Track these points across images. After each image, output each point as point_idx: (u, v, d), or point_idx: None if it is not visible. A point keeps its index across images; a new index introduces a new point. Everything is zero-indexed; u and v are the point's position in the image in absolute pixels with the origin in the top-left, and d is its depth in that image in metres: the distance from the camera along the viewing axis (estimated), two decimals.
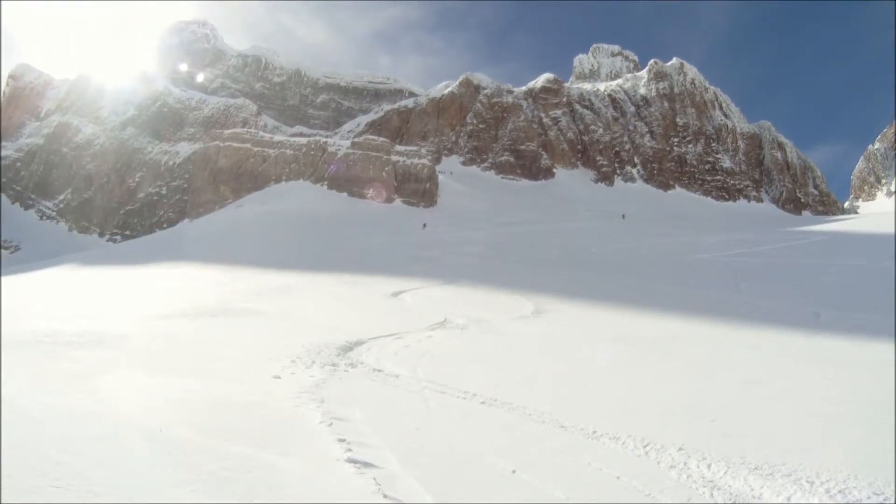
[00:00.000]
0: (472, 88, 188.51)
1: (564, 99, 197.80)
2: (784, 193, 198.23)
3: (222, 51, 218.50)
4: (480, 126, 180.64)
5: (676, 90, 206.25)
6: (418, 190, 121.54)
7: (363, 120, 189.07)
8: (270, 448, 8.44)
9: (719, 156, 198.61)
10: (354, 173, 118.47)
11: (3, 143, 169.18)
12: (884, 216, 75.97)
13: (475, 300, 30.22)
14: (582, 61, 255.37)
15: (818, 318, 22.71)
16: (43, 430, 8.32)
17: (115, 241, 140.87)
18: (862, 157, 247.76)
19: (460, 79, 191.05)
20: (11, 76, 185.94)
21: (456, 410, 11.36)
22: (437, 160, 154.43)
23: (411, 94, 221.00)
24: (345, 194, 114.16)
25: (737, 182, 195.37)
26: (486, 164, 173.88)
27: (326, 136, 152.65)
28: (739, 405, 11.56)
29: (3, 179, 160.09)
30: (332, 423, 9.82)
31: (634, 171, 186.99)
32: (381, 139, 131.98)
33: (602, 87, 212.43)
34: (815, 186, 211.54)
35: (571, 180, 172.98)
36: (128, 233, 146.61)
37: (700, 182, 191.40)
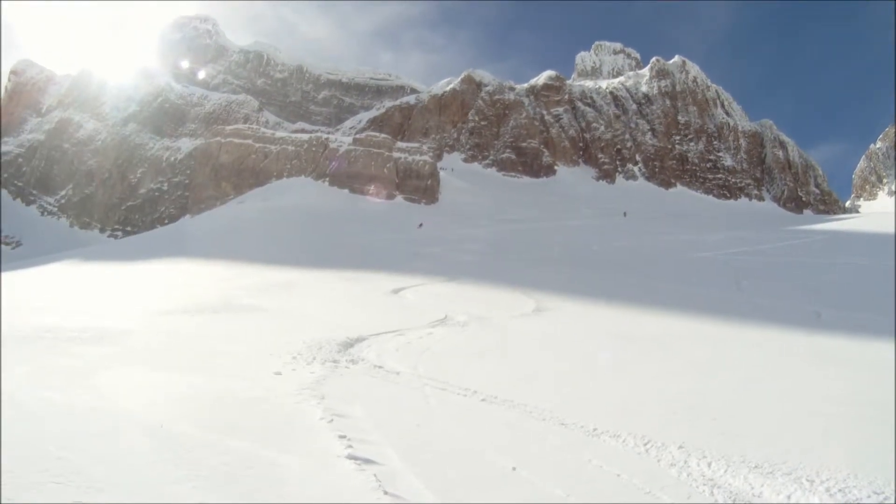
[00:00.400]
0: (473, 85, 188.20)
1: (566, 96, 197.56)
2: (785, 192, 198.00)
3: (224, 46, 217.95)
4: (482, 123, 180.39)
5: (678, 88, 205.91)
6: (420, 187, 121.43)
7: (365, 116, 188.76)
8: (271, 444, 8.46)
9: (721, 154, 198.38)
10: (356, 170, 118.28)
11: (5, 139, 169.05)
12: (885, 215, 76.05)
13: (476, 297, 30.26)
14: (584, 59, 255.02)
15: (819, 317, 22.73)
16: (43, 426, 8.35)
17: (116, 237, 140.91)
18: (863, 156, 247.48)
19: (462, 75, 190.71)
20: (13, 72, 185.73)
21: (456, 407, 11.38)
22: (439, 157, 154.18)
23: (413, 91, 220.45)
24: (346, 191, 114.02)
25: (738, 180, 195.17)
26: (487, 161, 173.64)
27: (328, 133, 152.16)
28: (740, 404, 11.59)
29: (5, 175, 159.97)
30: (332, 420, 9.84)
31: (636, 168, 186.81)
32: (383, 136, 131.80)
33: (604, 84, 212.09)
34: (817, 185, 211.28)
35: (573, 178, 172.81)
36: (129, 229, 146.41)
37: (701, 180, 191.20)
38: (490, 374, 14.36)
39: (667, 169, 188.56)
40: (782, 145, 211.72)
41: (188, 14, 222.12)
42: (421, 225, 72.10)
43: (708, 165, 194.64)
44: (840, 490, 7.39)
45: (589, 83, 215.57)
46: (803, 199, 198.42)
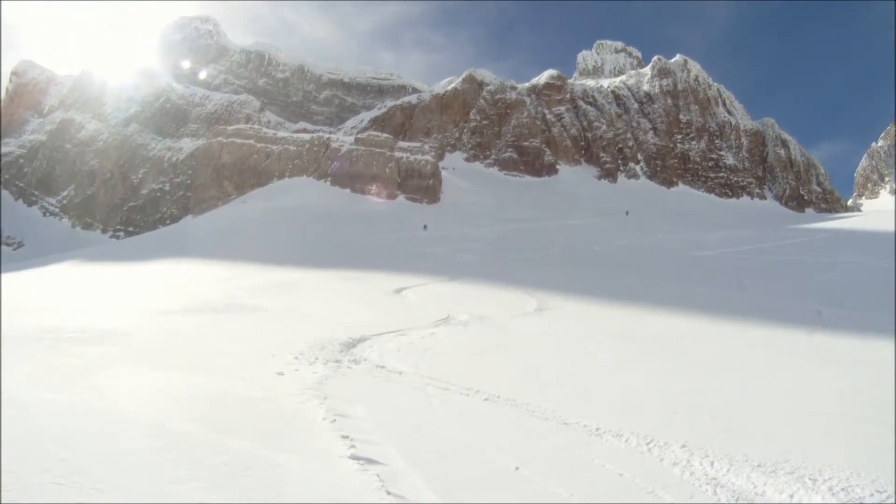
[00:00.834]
0: (475, 85, 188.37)
1: (568, 95, 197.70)
2: (787, 191, 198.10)
3: (225, 47, 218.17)
4: (484, 122, 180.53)
5: (680, 87, 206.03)
6: (421, 186, 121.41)
7: (366, 116, 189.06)
8: (273, 444, 8.47)
9: (723, 153, 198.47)
10: (358, 170, 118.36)
11: (6, 140, 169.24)
12: (887, 214, 75.93)
13: (478, 297, 30.24)
14: (585, 58, 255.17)
15: (821, 315, 22.68)
16: (45, 427, 8.34)
17: (118, 237, 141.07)
18: (865, 154, 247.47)
19: (463, 75, 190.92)
20: (14, 72, 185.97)
21: (459, 407, 11.37)
22: (441, 156, 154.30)
23: (414, 91, 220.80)
24: (348, 191, 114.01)
25: (740, 179, 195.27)
26: (489, 161, 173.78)
27: (330, 133, 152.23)
28: (742, 403, 11.60)
29: (6, 176, 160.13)
30: (335, 420, 9.85)
31: (638, 167, 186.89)
32: (385, 135, 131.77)
33: (605, 83, 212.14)
34: (819, 184, 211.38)
35: (575, 177, 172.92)
36: (131, 229, 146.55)
37: (703, 179, 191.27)
38: (492, 373, 14.37)
39: (669, 168, 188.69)
40: (784, 144, 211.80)
41: (189, 14, 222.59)
42: (426, 227, 71.85)
43: (710, 164, 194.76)
44: (842, 489, 7.40)
45: (590, 82, 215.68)
46: (805, 197, 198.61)
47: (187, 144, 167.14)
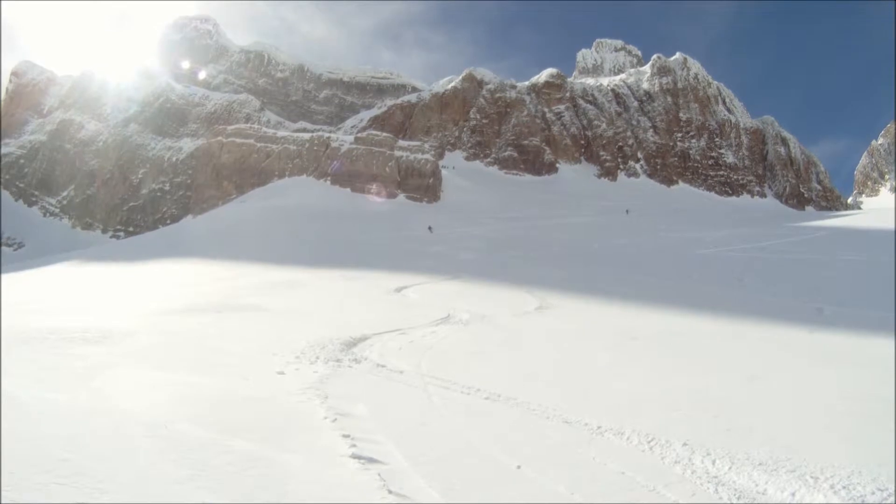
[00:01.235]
0: (475, 83, 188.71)
1: (568, 94, 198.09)
2: (787, 189, 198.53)
3: (225, 46, 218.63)
4: (483, 121, 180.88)
5: (680, 85, 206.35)
6: (421, 185, 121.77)
7: (366, 115, 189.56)
8: (274, 444, 8.47)
9: (722, 151, 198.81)
10: (358, 169, 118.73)
11: (6, 140, 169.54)
12: (887, 212, 75.98)
13: (479, 295, 30.21)
14: (585, 56, 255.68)
15: (821, 313, 22.66)
16: (46, 427, 8.30)
17: (118, 237, 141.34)
18: (865, 152, 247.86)
19: (463, 74, 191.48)
20: (14, 73, 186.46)
21: (460, 406, 11.36)
22: (441, 155, 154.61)
23: (414, 90, 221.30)
24: (348, 190, 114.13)
25: (740, 177, 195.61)
26: (489, 160, 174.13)
27: (330, 132, 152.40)
28: (743, 401, 11.59)
29: (6, 176, 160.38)
30: (336, 419, 9.84)
31: (638, 166, 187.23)
32: (385, 134, 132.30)
33: (605, 82, 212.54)
34: (819, 182, 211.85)
35: (575, 175, 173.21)
36: (131, 229, 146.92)
37: (703, 177, 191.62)
38: (493, 372, 14.36)
39: (669, 166, 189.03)
40: (784, 142, 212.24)
41: (188, 14, 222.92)
42: (430, 228, 71.74)
43: (710, 162, 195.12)
44: (844, 487, 7.39)
45: (590, 81, 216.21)
46: (805, 195, 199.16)
47: (187, 144, 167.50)
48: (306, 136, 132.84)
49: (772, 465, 8.10)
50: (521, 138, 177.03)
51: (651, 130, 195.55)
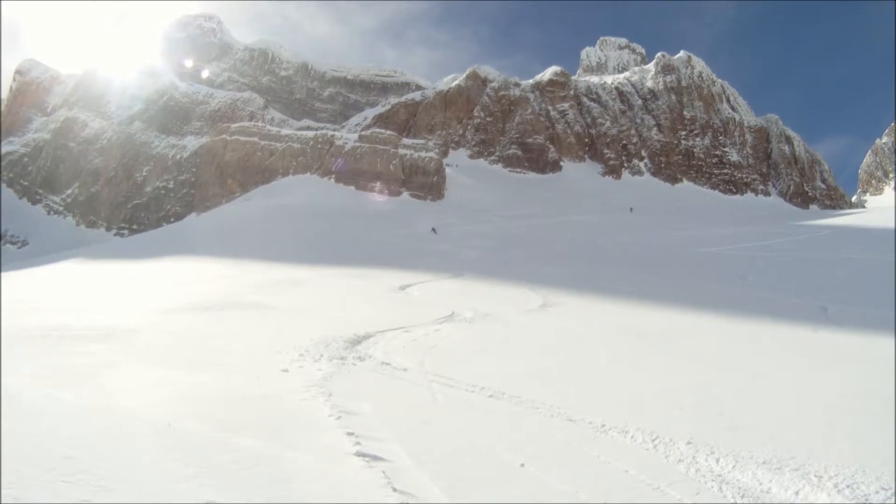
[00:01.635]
0: (479, 81, 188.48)
1: (572, 92, 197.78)
2: (791, 187, 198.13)
3: (229, 44, 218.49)
4: (488, 119, 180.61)
5: (684, 83, 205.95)
6: (426, 183, 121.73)
7: (370, 113, 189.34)
8: (279, 442, 8.48)
9: (727, 149, 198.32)
10: (362, 167, 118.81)
11: (11, 139, 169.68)
12: (891, 210, 75.93)
13: (483, 293, 30.27)
14: (589, 54, 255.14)
15: (825, 312, 22.68)
16: (50, 425, 8.34)
17: (122, 235, 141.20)
18: (869, 151, 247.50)
19: (467, 72, 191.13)
20: (18, 71, 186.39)
21: (464, 404, 11.38)
22: (445, 153, 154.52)
23: (418, 88, 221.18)
24: (352, 188, 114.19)
25: (744, 176, 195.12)
26: (493, 158, 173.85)
27: (334, 130, 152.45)
28: (747, 399, 11.61)
29: (11, 174, 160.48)
30: (340, 417, 9.85)
31: (642, 164, 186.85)
32: (389, 132, 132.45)
33: (609, 80, 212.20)
34: (823, 180, 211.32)
35: (579, 173, 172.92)
36: (135, 227, 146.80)
37: (707, 175, 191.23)
38: (497, 370, 14.36)
39: (673, 164, 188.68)
40: (788, 140, 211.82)
41: (192, 12, 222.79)
42: (434, 230, 71.57)
43: (714, 161, 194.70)
44: (848, 486, 7.41)
45: (594, 79, 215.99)
46: (809, 194, 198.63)
47: (191, 142, 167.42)
48: (310, 134, 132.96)
49: (776, 464, 8.12)
50: (525, 136, 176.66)
51: (655, 128, 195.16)
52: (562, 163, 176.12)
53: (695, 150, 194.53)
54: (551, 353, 16.69)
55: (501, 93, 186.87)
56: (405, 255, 49.79)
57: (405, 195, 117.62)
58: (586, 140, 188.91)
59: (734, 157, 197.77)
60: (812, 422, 10.17)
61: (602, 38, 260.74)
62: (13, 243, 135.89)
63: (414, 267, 41.12)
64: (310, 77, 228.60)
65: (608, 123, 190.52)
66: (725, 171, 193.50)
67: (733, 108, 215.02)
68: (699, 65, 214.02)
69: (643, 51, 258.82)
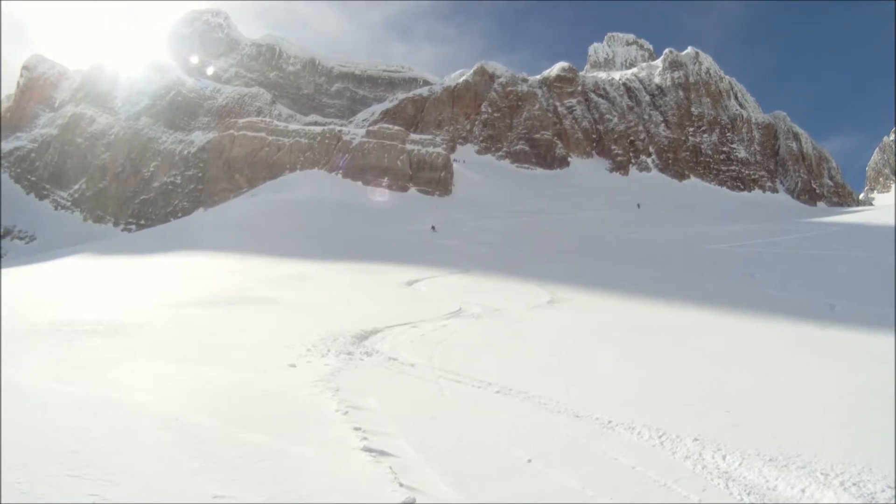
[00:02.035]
0: (486, 77, 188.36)
1: (579, 88, 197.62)
2: (799, 184, 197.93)
3: (236, 40, 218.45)
4: (495, 115, 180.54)
5: (692, 79, 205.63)
6: (433, 178, 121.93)
7: (378, 108, 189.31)
8: (286, 436, 8.50)
9: (734, 146, 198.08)
10: (369, 162, 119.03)
11: (18, 135, 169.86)
12: None
13: (490, 289, 30.40)
14: (597, 50, 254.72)
15: (833, 309, 22.63)
16: (59, 420, 8.37)
17: (129, 230, 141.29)
18: (877, 148, 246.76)
19: (475, 67, 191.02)
20: (25, 67, 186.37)
21: (471, 399, 11.42)
22: (452, 149, 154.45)
23: (426, 83, 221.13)
24: (359, 183, 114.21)
25: (752, 172, 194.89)
26: (500, 153, 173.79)
27: (341, 125, 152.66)
28: (754, 396, 11.58)
29: (18, 170, 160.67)
30: (347, 412, 9.88)
31: (649, 160, 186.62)
32: (396, 128, 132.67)
33: (617, 76, 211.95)
34: (831, 177, 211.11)
35: (586, 169, 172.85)
36: (143, 222, 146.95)
37: (715, 172, 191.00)
38: (505, 365, 14.37)
39: (680, 160, 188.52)
40: (796, 137, 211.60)
41: (199, 8, 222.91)
42: (434, 228, 71.34)
43: (721, 157, 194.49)
44: (854, 484, 7.39)
45: (602, 74, 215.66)
46: (817, 191, 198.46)
47: (198, 137, 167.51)
48: (318, 129, 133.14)
49: (782, 461, 8.10)
50: (533, 132, 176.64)
51: (663, 125, 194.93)
52: (569, 159, 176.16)
53: (702, 146, 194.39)
54: (559, 349, 16.72)
55: (509, 88, 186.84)
56: (412, 251, 49.88)
57: (412, 191, 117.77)
58: (594, 136, 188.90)
59: (742, 153, 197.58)
60: (818, 419, 10.15)
61: (610, 34, 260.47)
62: (21, 238, 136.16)
63: (421, 262, 41.24)
64: (317, 72, 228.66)
65: (616, 119, 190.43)
66: (733, 167, 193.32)
67: (741, 105, 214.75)
68: (707, 61, 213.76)
69: (651, 47, 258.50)
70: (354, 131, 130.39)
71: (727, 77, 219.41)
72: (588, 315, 23.45)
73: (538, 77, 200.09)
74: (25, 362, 11.96)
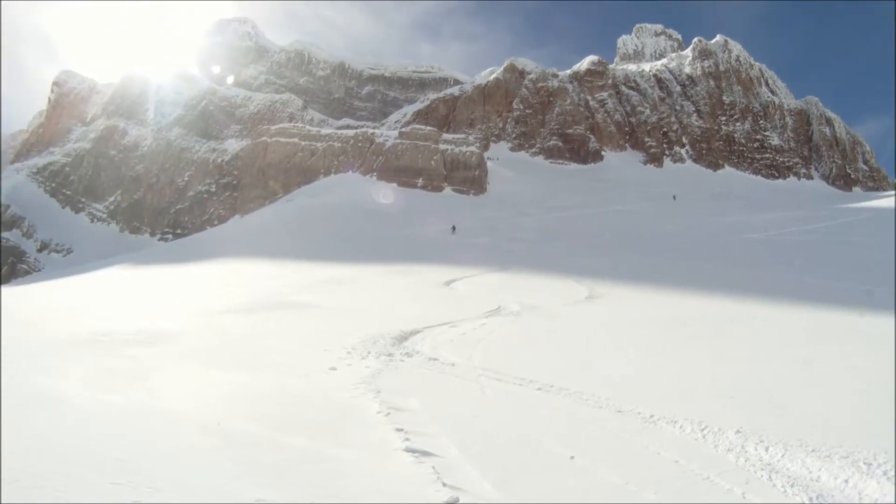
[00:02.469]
0: (516, 74, 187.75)
1: (610, 81, 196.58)
2: (834, 170, 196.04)
3: (265, 47, 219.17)
4: (527, 111, 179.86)
5: (722, 68, 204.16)
6: (468, 178, 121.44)
7: (409, 110, 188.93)
8: (328, 439, 8.59)
9: (767, 133, 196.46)
10: (403, 163, 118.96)
11: (52, 149, 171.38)
12: None
13: (528, 286, 30.39)
14: (626, 42, 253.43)
15: (871, 295, 22.45)
16: (101, 428, 8.46)
17: (166, 240, 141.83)
18: None
19: (505, 64, 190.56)
20: (55, 83, 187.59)
21: (512, 397, 11.47)
22: (486, 147, 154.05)
23: (456, 82, 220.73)
24: (394, 184, 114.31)
25: (786, 159, 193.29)
26: (534, 150, 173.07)
27: (374, 128, 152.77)
28: (795, 386, 11.55)
29: (53, 184, 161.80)
30: (389, 413, 9.96)
31: (683, 151, 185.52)
32: (429, 128, 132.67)
33: (647, 67, 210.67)
34: (865, 162, 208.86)
35: (620, 162, 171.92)
36: (179, 231, 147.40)
37: (749, 160, 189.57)
38: (545, 362, 14.43)
39: (714, 150, 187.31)
40: (829, 122, 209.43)
41: (227, 17, 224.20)
42: (454, 228, 70.98)
43: (755, 145, 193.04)
44: None
45: (632, 66, 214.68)
46: (852, 176, 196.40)
47: (232, 145, 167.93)
48: (350, 132, 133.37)
49: (825, 452, 8.08)
50: (566, 127, 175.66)
51: (695, 115, 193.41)
52: (603, 152, 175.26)
53: (735, 135, 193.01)
54: (598, 345, 16.81)
55: (540, 84, 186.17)
56: (449, 250, 50.00)
57: (447, 190, 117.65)
58: (626, 129, 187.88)
59: (775, 140, 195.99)
60: (860, 408, 10.12)
61: (638, 26, 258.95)
62: (58, 252, 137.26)
63: (458, 261, 41.35)
64: (347, 76, 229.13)
65: (648, 111, 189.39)
66: (767, 155, 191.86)
67: (772, 92, 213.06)
68: (736, 48, 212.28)
69: (679, 37, 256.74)
70: (387, 133, 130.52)
71: (757, 64, 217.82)
72: (626, 309, 23.39)
73: (568, 72, 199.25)
74: (68, 373, 12.10)
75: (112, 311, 24.60)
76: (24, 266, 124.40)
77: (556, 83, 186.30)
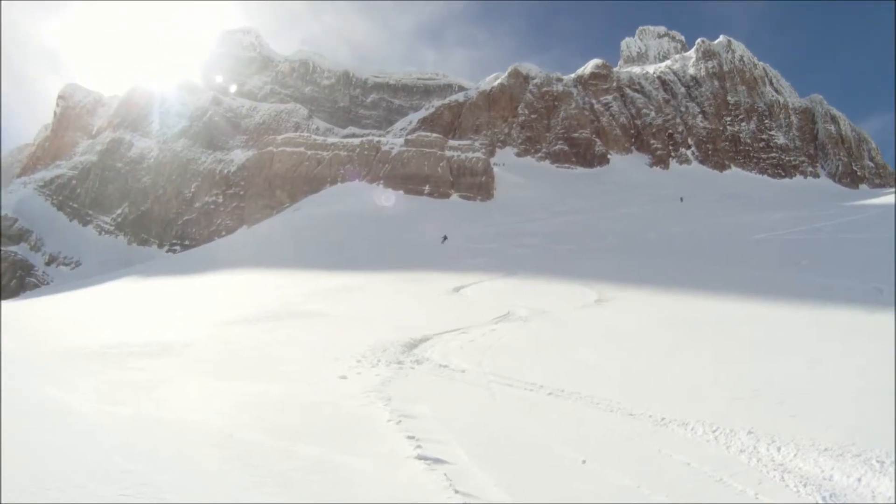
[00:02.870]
0: (521, 79, 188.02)
1: (614, 84, 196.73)
2: (840, 167, 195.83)
3: (269, 57, 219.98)
4: (532, 116, 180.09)
5: (726, 68, 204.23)
6: (474, 184, 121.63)
7: (415, 117, 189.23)
8: (339, 448, 8.56)
9: (773, 132, 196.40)
10: (409, 170, 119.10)
11: (59, 163, 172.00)
12: None
13: (537, 291, 30.36)
14: (629, 45, 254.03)
15: (880, 293, 22.40)
16: (111, 440, 8.48)
17: (174, 251, 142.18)
18: None
19: (509, 70, 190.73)
20: (61, 96, 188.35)
21: (523, 402, 11.45)
22: (492, 153, 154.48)
23: (461, 89, 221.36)
24: (401, 192, 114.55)
25: (792, 158, 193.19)
26: (540, 154, 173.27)
27: (379, 136, 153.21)
28: (805, 386, 11.52)
29: (60, 197, 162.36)
30: (400, 421, 9.95)
31: (689, 152, 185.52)
32: (435, 135, 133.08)
33: (651, 69, 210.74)
34: (871, 159, 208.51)
35: (626, 165, 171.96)
36: (187, 243, 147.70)
37: (755, 160, 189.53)
38: (555, 367, 14.41)
39: (720, 151, 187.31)
40: (834, 120, 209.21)
41: (231, 28, 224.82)
42: (445, 238, 70.80)
43: (761, 145, 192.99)
44: None
45: (636, 69, 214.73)
46: (858, 173, 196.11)
47: (238, 156, 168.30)
48: (356, 141, 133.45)
49: (837, 451, 8.05)
50: (571, 131, 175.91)
51: (700, 116, 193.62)
52: (609, 156, 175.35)
53: (741, 135, 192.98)
54: (608, 348, 16.76)
55: (544, 89, 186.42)
56: (456, 256, 50.08)
57: (454, 197, 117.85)
58: (632, 131, 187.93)
59: (781, 139, 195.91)
60: (872, 407, 10.05)
61: (641, 28, 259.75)
62: (66, 265, 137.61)
63: (466, 268, 41.45)
64: (352, 85, 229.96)
65: (653, 113, 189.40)
66: (773, 154, 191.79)
67: (776, 91, 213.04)
68: (740, 48, 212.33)
69: (682, 38, 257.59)
70: (393, 141, 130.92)
71: (761, 63, 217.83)
72: (636, 312, 23.31)
73: (572, 76, 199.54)
74: (77, 385, 12.12)
75: (120, 323, 24.74)
76: (33, 279, 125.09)
77: (560, 87, 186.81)
